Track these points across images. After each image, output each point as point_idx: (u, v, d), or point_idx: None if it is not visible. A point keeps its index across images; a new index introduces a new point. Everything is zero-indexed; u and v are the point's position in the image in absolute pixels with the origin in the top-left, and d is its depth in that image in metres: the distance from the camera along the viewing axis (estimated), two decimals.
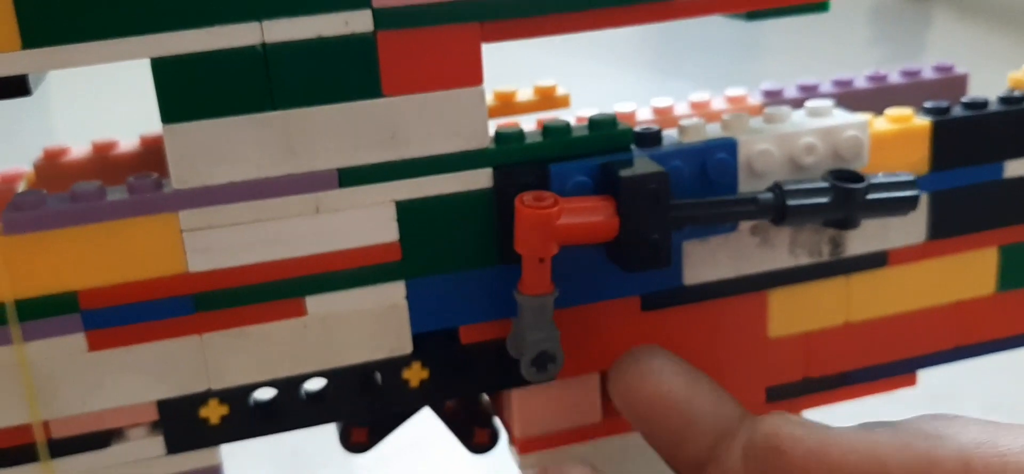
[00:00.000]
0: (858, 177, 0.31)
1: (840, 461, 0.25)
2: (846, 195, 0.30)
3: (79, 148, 0.33)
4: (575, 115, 0.37)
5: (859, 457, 0.25)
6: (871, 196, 0.31)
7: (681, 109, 0.38)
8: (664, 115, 0.37)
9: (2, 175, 0.33)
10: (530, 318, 0.29)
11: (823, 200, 0.30)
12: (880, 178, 0.31)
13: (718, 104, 0.38)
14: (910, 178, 0.31)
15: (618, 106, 0.38)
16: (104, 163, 0.33)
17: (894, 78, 0.39)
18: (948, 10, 1.61)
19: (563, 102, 0.37)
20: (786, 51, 1.36)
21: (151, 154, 0.33)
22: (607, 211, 0.29)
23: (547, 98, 0.37)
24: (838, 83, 0.39)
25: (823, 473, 0.25)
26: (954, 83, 0.40)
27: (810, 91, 0.39)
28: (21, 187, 0.32)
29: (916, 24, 1.54)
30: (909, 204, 0.31)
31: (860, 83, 0.39)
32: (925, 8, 1.62)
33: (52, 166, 0.33)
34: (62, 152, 0.33)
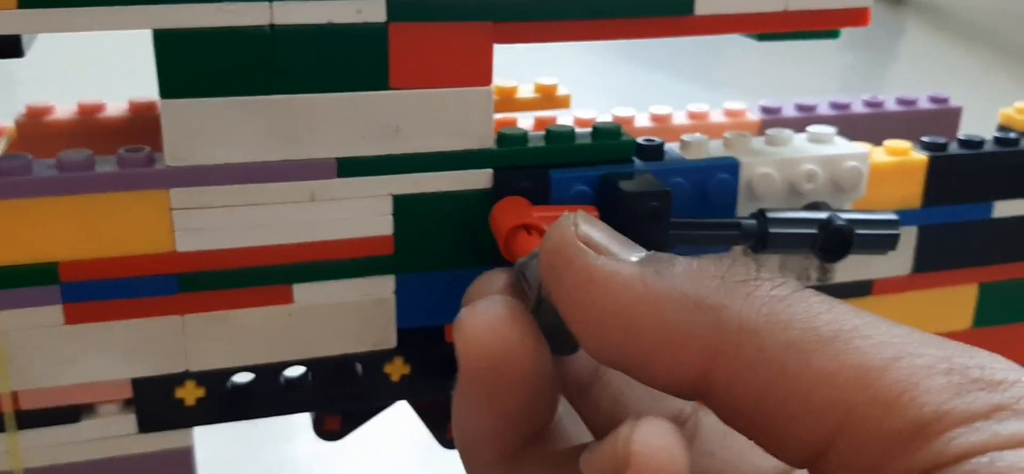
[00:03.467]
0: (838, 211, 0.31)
1: None
2: (828, 227, 0.30)
3: (64, 108, 0.32)
4: (573, 116, 0.37)
5: None
6: (857, 232, 0.31)
7: (680, 118, 0.37)
8: (662, 123, 0.37)
9: None
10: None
11: (805, 231, 0.30)
12: (864, 215, 0.31)
13: (717, 117, 0.38)
14: (893, 218, 0.31)
15: (617, 110, 0.37)
16: (90, 126, 0.32)
17: (890, 105, 0.39)
18: (922, 21, 1.63)
19: (563, 102, 0.36)
20: (759, 50, 1.37)
21: (139, 121, 0.32)
22: None
23: (548, 97, 0.36)
24: (835, 106, 0.39)
25: None
26: (948, 115, 0.40)
27: (808, 111, 0.39)
28: (2, 144, 0.31)
29: (889, 32, 1.56)
30: (889, 243, 0.31)
31: (857, 108, 0.39)
32: (900, 17, 1.64)
33: (34, 125, 0.31)
34: (46, 110, 0.31)
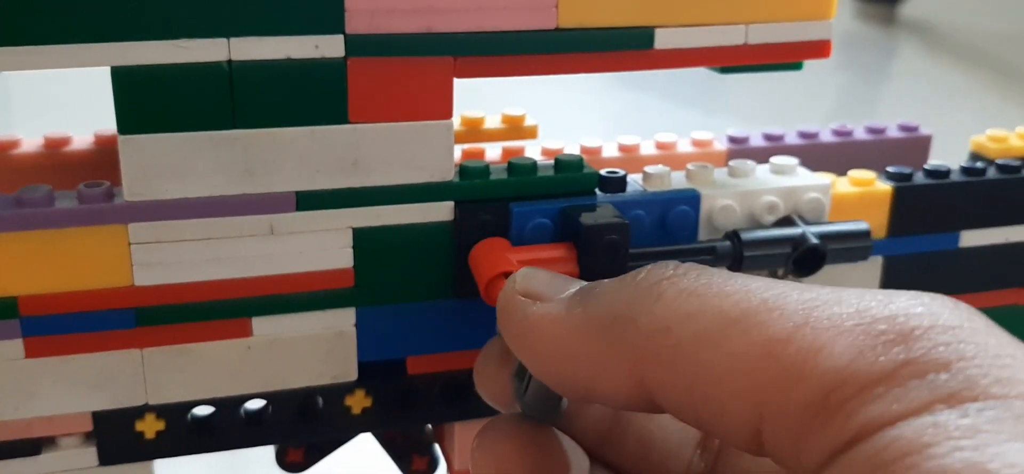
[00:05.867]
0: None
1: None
2: (803, 246, 0.30)
3: (30, 141, 0.32)
4: (541, 146, 0.37)
5: None
6: (829, 247, 0.31)
7: (647, 149, 0.37)
8: (630, 153, 0.37)
9: None
10: None
11: (780, 251, 0.30)
12: (836, 227, 0.31)
13: (684, 146, 0.38)
14: (865, 227, 0.31)
15: (584, 140, 0.37)
16: (55, 160, 0.32)
17: (859, 134, 0.40)
18: (915, 41, 1.64)
19: (531, 133, 0.37)
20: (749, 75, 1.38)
21: (105, 154, 0.32)
22: (567, 257, 0.29)
23: (515, 127, 0.36)
24: (803, 135, 0.39)
25: None
26: (918, 143, 0.41)
27: (776, 141, 0.39)
28: None
29: (882, 53, 1.56)
30: (862, 254, 0.32)
31: (826, 137, 0.39)
32: (892, 38, 1.64)
33: (1, 159, 0.32)
34: (13, 144, 0.32)
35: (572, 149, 0.37)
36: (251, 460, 0.60)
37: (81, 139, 0.32)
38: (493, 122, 0.36)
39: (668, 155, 0.37)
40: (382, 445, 0.33)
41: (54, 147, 0.32)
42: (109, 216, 0.27)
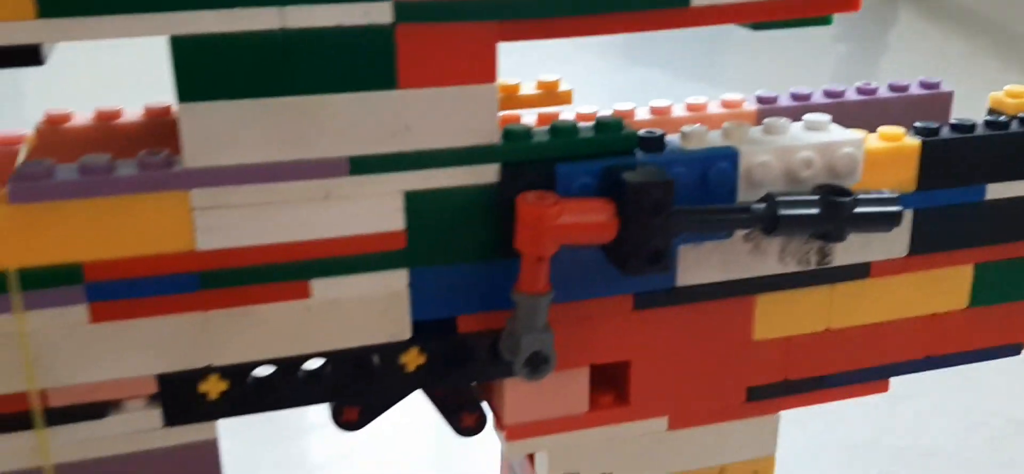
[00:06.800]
0: (846, 192, 0.32)
1: None
2: (835, 209, 0.31)
3: (82, 115, 0.33)
4: (575, 111, 0.38)
5: None
6: (857, 210, 0.32)
7: (678, 111, 0.38)
8: (662, 115, 0.38)
9: (3, 137, 0.32)
10: (525, 318, 0.30)
11: (813, 212, 0.31)
12: (866, 194, 0.32)
13: (714, 108, 0.39)
14: (894, 196, 0.32)
15: (618, 105, 0.38)
16: (108, 132, 0.33)
17: (883, 92, 0.40)
18: (913, 11, 1.64)
19: (565, 98, 0.37)
20: (753, 40, 1.38)
21: (155, 126, 0.33)
22: (607, 213, 0.29)
23: (550, 93, 0.37)
24: (829, 94, 0.40)
25: None
26: (938, 100, 0.41)
27: (803, 100, 0.39)
28: (23, 151, 0.32)
29: (881, 22, 1.57)
30: (892, 220, 0.32)
31: (851, 95, 0.40)
32: (892, 7, 1.65)
33: (54, 132, 0.32)
34: (65, 118, 0.32)
35: (606, 113, 0.38)
36: (307, 423, 0.62)
37: (132, 111, 0.33)
38: (528, 88, 0.37)
39: (700, 116, 0.38)
40: (433, 403, 0.34)
41: (105, 120, 0.33)
42: (172, 182, 0.28)
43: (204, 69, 0.27)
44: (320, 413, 0.34)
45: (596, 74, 1.23)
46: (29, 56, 0.26)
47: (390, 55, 0.28)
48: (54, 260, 0.27)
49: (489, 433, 0.35)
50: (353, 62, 0.28)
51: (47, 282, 0.27)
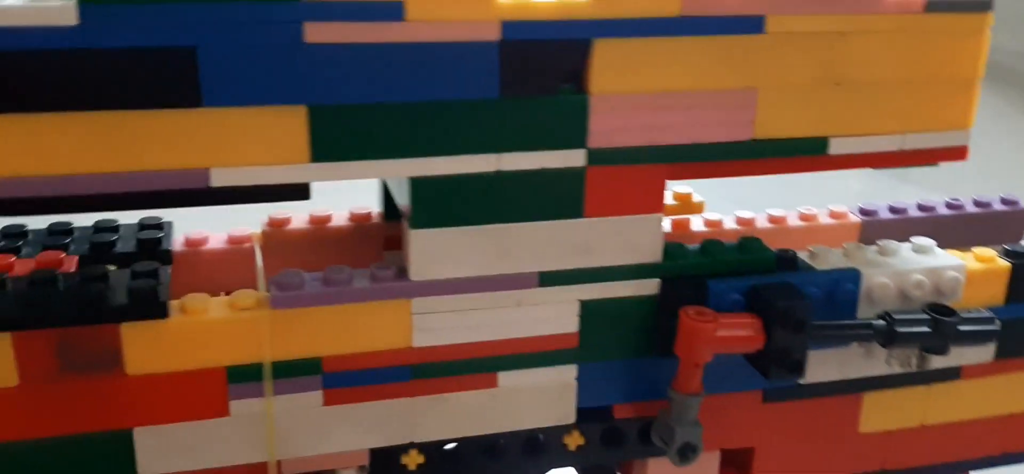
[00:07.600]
0: (951, 311, 0.37)
1: None
2: (942, 327, 0.36)
3: (299, 217, 0.39)
4: (703, 218, 0.43)
5: None
6: (961, 328, 0.37)
7: (793, 220, 0.44)
8: (779, 224, 0.43)
9: (233, 236, 0.38)
10: (680, 413, 0.35)
11: (924, 330, 0.36)
12: (968, 313, 0.37)
13: (823, 218, 0.44)
14: (991, 315, 0.37)
15: (738, 212, 0.43)
16: (320, 235, 0.38)
17: (969, 208, 0.46)
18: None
19: (698, 208, 0.43)
20: None
21: (358, 230, 0.38)
22: (755, 328, 0.35)
23: (685, 203, 0.43)
24: (922, 208, 0.45)
25: None
26: (1017, 216, 0.47)
27: (900, 213, 0.45)
28: (257, 251, 0.37)
29: None
30: (990, 338, 0.37)
31: (941, 210, 0.45)
32: None
33: (276, 233, 0.38)
34: (284, 221, 0.38)
35: (729, 222, 0.43)
36: None
37: (338, 215, 0.39)
38: (665, 199, 0.42)
39: (811, 226, 0.43)
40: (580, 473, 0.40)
41: (317, 223, 0.38)
42: (398, 291, 0.33)
43: (434, 202, 0.32)
44: None
45: None
46: (298, 192, 0.31)
47: (580, 191, 0.34)
48: (300, 354, 0.33)
49: None
50: (551, 196, 0.33)
51: (293, 372, 0.33)
